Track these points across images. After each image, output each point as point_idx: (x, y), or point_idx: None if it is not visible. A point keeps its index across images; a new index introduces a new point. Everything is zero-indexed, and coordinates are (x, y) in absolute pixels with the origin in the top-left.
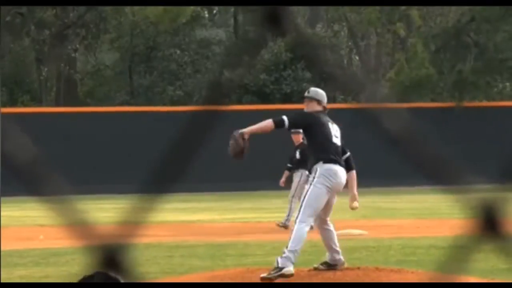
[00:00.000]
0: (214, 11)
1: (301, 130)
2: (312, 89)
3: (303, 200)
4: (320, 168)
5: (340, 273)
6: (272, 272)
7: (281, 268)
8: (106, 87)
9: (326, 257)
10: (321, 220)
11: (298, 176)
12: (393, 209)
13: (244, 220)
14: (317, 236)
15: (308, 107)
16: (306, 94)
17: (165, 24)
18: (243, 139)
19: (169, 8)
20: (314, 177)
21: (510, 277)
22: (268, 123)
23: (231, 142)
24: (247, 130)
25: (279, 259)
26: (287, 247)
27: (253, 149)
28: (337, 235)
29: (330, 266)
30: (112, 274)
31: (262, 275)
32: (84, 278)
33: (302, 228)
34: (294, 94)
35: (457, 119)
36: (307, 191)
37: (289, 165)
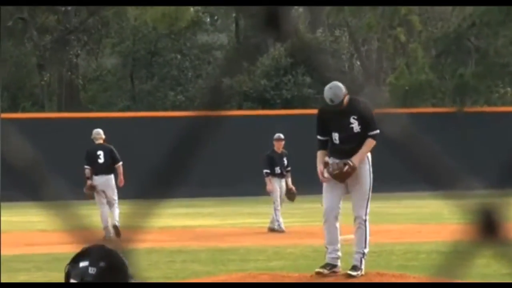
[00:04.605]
0: (216, 17)
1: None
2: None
3: (368, 195)
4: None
5: (342, 278)
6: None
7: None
8: (108, 92)
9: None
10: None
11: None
12: (394, 214)
13: (246, 225)
14: (318, 242)
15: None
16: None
17: (163, 28)
18: (348, 165)
19: (167, 13)
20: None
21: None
22: (372, 143)
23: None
24: (357, 158)
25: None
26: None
27: (254, 154)
28: (339, 240)
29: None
30: (108, 247)
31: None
32: (79, 253)
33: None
34: (294, 99)
35: (458, 124)
36: (371, 184)
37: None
